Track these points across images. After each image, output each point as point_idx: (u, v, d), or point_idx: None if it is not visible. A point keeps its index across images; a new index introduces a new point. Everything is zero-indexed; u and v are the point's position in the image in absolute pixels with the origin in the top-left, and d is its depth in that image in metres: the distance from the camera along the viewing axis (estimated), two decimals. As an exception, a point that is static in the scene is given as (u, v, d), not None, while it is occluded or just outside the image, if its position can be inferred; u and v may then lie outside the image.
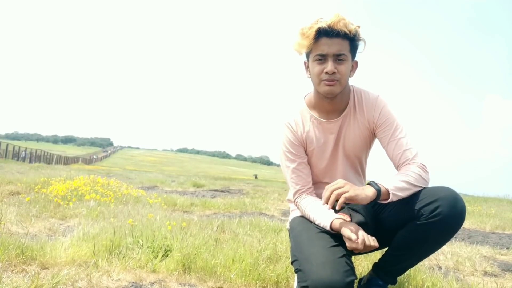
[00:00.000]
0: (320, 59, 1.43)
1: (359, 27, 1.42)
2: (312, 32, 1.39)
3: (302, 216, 1.59)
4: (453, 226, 1.34)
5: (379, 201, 1.35)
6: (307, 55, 1.50)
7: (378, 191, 1.32)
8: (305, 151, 1.60)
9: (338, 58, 1.41)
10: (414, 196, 1.38)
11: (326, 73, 1.42)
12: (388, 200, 1.33)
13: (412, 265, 1.55)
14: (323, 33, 1.39)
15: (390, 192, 1.32)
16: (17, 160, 25.81)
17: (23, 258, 1.85)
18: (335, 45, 1.40)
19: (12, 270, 1.74)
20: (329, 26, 1.38)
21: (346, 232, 1.29)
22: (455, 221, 1.33)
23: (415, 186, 1.37)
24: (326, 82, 1.44)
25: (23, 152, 29.90)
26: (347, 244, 1.29)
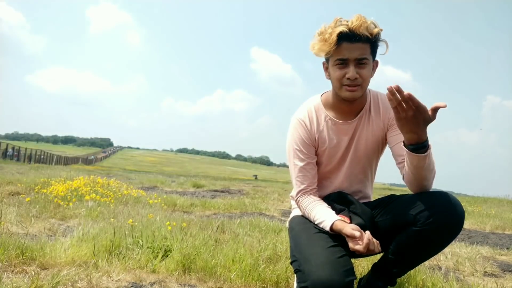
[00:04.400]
0: (341, 64, 1.40)
1: (381, 30, 1.37)
2: (333, 38, 1.34)
3: (302, 216, 1.59)
4: (449, 232, 1.33)
5: (415, 151, 1.23)
6: (327, 58, 1.46)
7: (427, 139, 1.23)
8: (316, 151, 1.58)
9: (359, 62, 1.38)
10: (411, 201, 1.38)
11: (348, 78, 1.39)
12: (424, 154, 1.22)
13: (410, 268, 1.55)
14: (344, 38, 1.35)
15: (430, 148, 1.24)
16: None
17: (23, 259, 1.85)
18: (356, 49, 1.36)
19: (12, 271, 1.74)
20: (350, 30, 1.34)
21: (349, 231, 1.28)
22: (452, 228, 1.32)
23: (433, 171, 1.32)
24: (348, 88, 1.41)
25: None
26: (350, 244, 1.28)
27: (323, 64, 1.51)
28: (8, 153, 28.16)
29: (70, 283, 1.61)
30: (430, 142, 1.25)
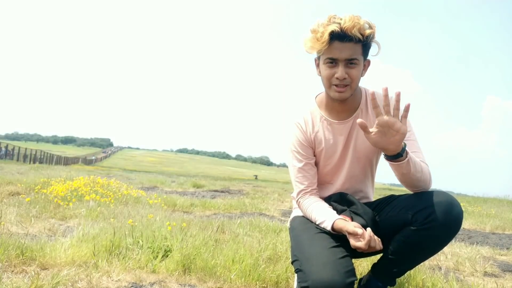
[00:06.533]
0: (330, 63, 1.40)
1: (374, 31, 1.37)
2: (325, 37, 1.35)
3: (303, 216, 1.59)
4: (447, 233, 1.33)
5: (393, 159, 1.30)
6: (318, 55, 1.47)
7: (405, 146, 1.29)
8: (314, 152, 1.59)
9: (349, 62, 1.38)
10: (410, 200, 1.38)
11: (337, 78, 1.40)
12: (401, 162, 1.29)
13: (410, 268, 1.55)
14: (335, 37, 1.35)
15: (408, 155, 1.29)
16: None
17: (23, 259, 1.85)
18: (347, 50, 1.36)
19: (12, 271, 1.74)
20: (342, 30, 1.33)
21: (351, 228, 1.28)
22: (450, 228, 1.32)
23: (423, 173, 1.34)
24: (336, 88, 1.42)
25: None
26: (352, 241, 1.27)
27: (315, 60, 1.51)
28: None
29: (70, 283, 1.61)
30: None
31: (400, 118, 1.26)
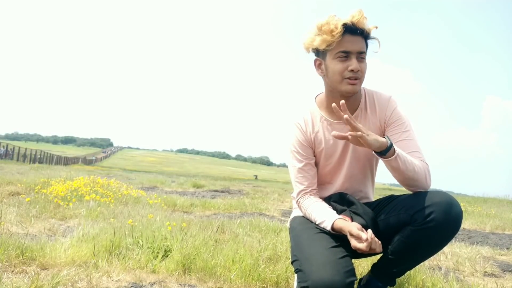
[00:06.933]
0: (343, 56, 1.40)
1: (376, 27, 1.42)
2: (339, 29, 1.36)
3: (303, 216, 1.59)
4: (447, 232, 1.33)
5: (382, 156, 1.33)
6: (323, 52, 1.45)
7: (391, 145, 1.30)
8: (314, 152, 1.59)
9: (360, 56, 1.41)
10: (409, 200, 1.38)
11: (351, 70, 1.40)
12: (390, 158, 1.31)
13: (410, 268, 1.55)
14: (347, 30, 1.37)
15: (396, 152, 1.30)
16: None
17: (23, 259, 1.85)
18: (358, 42, 1.39)
19: (12, 271, 1.74)
20: (353, 23, 1.37)
21: (354, 230, 1.27)
22: (449, 228, 1.32)
23: (415, 172, 1.35)
24: (349, 81, 1.42)
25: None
26: (353, 242, 1.27)
27: (315, 61, 1.51)
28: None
29: (70, 283, 1.61)
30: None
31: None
